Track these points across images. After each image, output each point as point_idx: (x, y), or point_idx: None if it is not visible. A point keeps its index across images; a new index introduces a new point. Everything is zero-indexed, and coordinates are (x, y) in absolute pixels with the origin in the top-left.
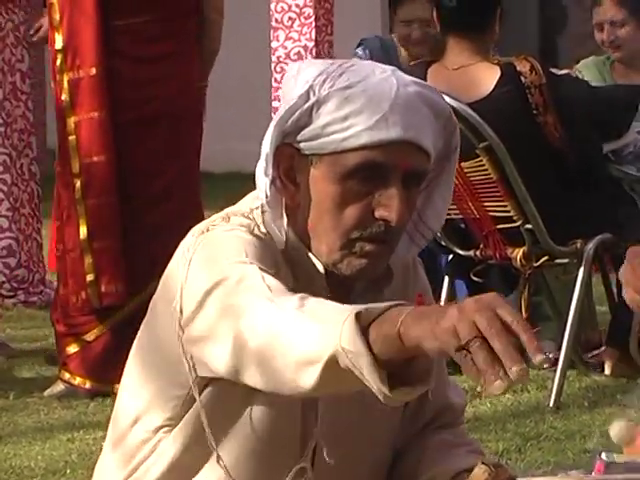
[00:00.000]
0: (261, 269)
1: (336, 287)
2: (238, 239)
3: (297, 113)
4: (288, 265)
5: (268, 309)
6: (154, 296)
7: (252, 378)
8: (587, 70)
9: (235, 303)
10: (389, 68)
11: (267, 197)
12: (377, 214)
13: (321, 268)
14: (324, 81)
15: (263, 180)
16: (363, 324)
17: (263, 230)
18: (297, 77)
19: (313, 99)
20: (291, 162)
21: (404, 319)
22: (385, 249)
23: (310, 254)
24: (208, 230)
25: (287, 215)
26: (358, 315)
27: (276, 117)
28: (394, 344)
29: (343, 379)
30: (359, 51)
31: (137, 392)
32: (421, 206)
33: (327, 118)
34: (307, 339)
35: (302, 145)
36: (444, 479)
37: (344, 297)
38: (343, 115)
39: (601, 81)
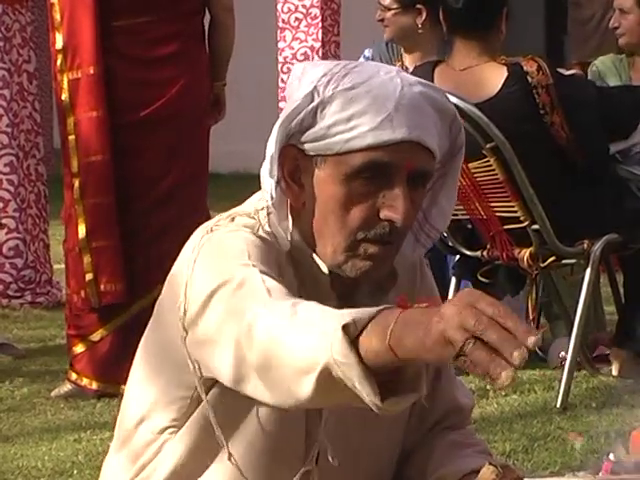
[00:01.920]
0: (262, 272)
1: (341, 288)
2: (242, 240)
3: (302, 114)
4: (292, 266)
5: (264, 319)
6: (160, 296)
7: (254, 391)
8: (603, 65)
9: (235, 309)
10: (394, 69)
11: (272, 198)
12: (382, 215)
13: (325, 269)
14: (328, 82)
15: (268, 182)
16: (353, 334)
17: (268, 231)
18: (302, 78)
19: (317, 100)
20: (296, 163)
21: (393, 329)
22: (390, 250)
23: (314, 255)
24: (212, 230)
25: (292, 216)
26: (346, 326)
27: (281, 118)
28: (387, 357)
29: (338, 389)
30: (366, 52)
31: (143, 393)
32: (426, 206)
33: (332, 119)
34: (301, 350)
35: (307, 146)
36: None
37: (349, 298)
38: (347, 116)
39: (617, 77)
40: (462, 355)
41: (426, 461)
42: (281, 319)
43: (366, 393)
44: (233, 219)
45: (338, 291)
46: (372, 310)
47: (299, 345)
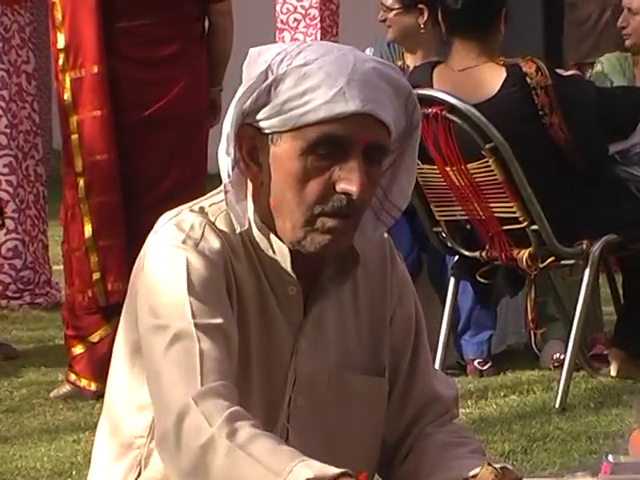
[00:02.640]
0: (197, 327)
1: (303, 271)
2: (181, 264)
3: (256, 92)
4: (252, 251)
5: (203, 433)
6: (131, 279)
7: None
8: (608, 63)
9: (164, 373)
10: (348, 47)
11: (229, 177)
12: (338, 188)
13: (286, 250)
14: (282, 60)
15: (225, 160)
16: None
17: (219, 224)
18: (258, 59)
19: (271, 77)
20: (253, 142)
21: None
22: (348, 224)
23: (274, 236)
24: (155, 234)
25: (252, 200)
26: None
27: (236, 97)
28: None
29: None
30: (367, 51)
31: (128, 382)
32: (386, 184)
33: (285, 95)
34: (242, 476)
35: (262, 124)
36: None
37: (311, 281)
38: (301, 91)
39: (621, 75)
40: None
41: (418, 466)
42: (221, 436)
43: None
44: (183, 220)
45: (300, 274)
46: (332, 471)
47: (243, 475)
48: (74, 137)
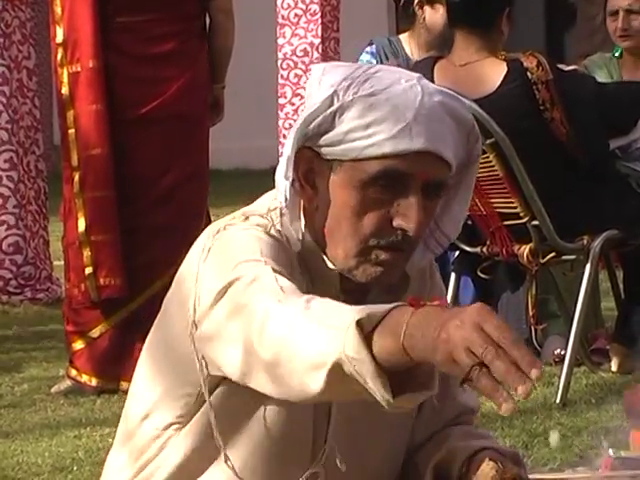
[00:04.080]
0: (274, 270)
1: (350, 292)
2: (254, 238)
3: (320, 117)
4: (303, 268)
5: (276, 313)
6: (168, 294)
7: (260, 384)
8: (594, 65)
9: (246, 305)
10: (415, 76)
11: (286, 200)
12: (395, 223)
13: (336, 276)
14: (349, 87)
15: (283, 183)
16: (366, 330)
17: (279, 230)
18: (322, 79)
19: (337, 104)
20: (311, 165)
21: (405, 332)
22: (401, 257)
23: (325, 258)
24: (225, 229)
25: (304, 218)
26: (359, 322)
27: (299, 120)
28: (400, 357)
29: (348, 385)
30: (368, 49)
31: (148, 389)
32: (439, 214)
33: (350, 125)
34: (313, 344)
35: (323, 150)
36: (463, 454)
37: (359, 302)
38: (366, 123)
39: (608, 77)
40: (468, 380)
41: (439, 443)
42: (294, 313)
43: (378, 390)
44: (247, 218)
45: (348, 294)
46: (386, 307)
47: (311, 339)
48: (71, 132)
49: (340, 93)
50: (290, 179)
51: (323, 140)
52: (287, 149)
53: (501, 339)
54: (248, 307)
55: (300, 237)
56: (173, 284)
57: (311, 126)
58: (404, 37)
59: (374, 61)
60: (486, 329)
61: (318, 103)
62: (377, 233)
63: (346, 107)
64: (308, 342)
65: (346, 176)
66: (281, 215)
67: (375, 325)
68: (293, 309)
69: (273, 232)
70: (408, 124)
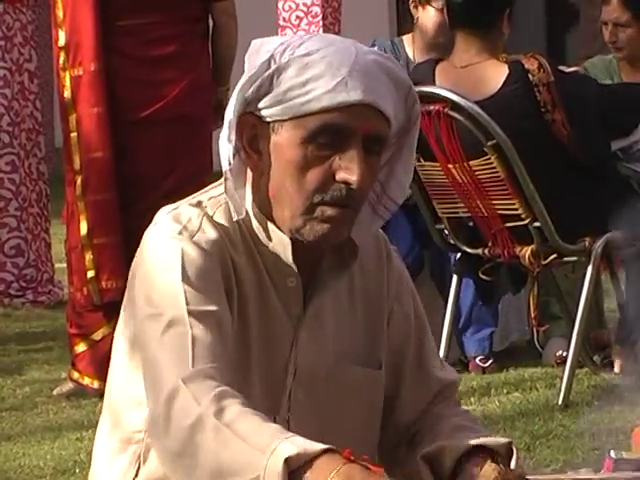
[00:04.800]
0: (190, 314)
1: (302, 263)
2: (177, 256)
3: (258, 81)
4: (251, 243)
5: (187, 403)
6: (130, 274)
7: (160, 455)
8: (594, 69)
9: (158, 358)
10: (349, 40)
11: (230, 164)
12: (338, 177)
13: (286, 239)
14: (284, 50)
15: (226, 147)
16: (292, 466)
17: (217, 217)
18: (260, 49)
19: (274, 67)
20: (254, 131)
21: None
22: (347, 213)
23: (273, 226)
24: (154, 227)
25: (251, 190)
26: (288, 459)
27: (238, 85)
28: None
29: None
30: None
31: (129, 377)
32: (384, 179)
33: (287, 84)
34: (229, 454)
35: (264, 112)
36: (455, 453)
37: (311, 274)
38: (303, 80)
39: (608, 79)
40: None
41: (432, 440)
42: (207, 412)
43: None
44: (180, 213)
45: (299, 266)
46: (316, 448)
47: (226, 448)
48: (73, 135)
49: (276, 56)
50: (233, 142)
51: (263, 103)
52: (229, 114)
53: None
54: (159, 369)
55: (245, 204)
56: (131, 268)
57: (250, 90)
58: (407, 38)
59: None
60: None
61: (256, 68)
62: (321, 189)
63: (283, 68)
64: (222, 450)
65: (287, 135)
66: (225, 180)
67: (302, 464)
68: (205, 406)
69: (208, 227)
70: (344, 78)
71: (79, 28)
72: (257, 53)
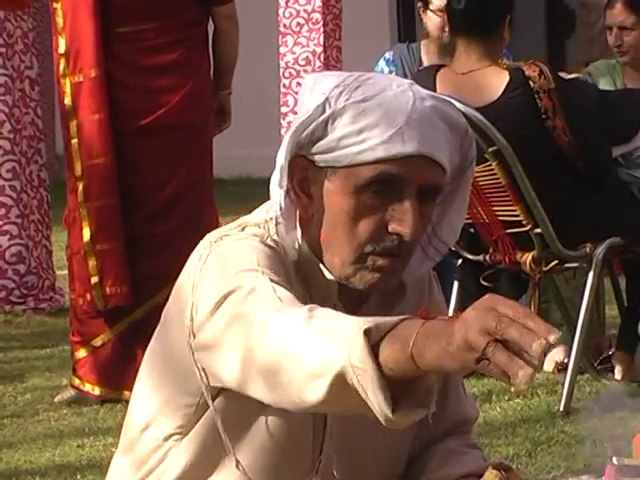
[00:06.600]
0: (272, 280)
1: (348, 301)
2: (251, 248)
3: (312, 125)
4: (300, 277)
5: (277, 321)
6: (167, 304)
7: (258, 391)
8: (598, 73)
9: (245, 313)
10: (406, 82)
11: (281, 209)
12: (391, 228)
13: (333, 280)
14: (340, 93)
15: (277, 192)
16: (373, 341)
17: (276, 240)
18: (313, 88)
19: (329, 112)
20: (305, 174)
21: (415, 340)
22: (398, 263)
23: (322, 266)
24: (221, 239)
25: (300, 227)
26: (367, 331)
27: (291, 128)
28: (408, 366)
29: (348, 396)
30: (386, 55)
31: (148, 399)
32: (436, 220)
33: (342, 131)
34: (316, 353)
35: (317, 157)
36: None
37: (356, 311)
38: (358, 128)
39: (611, 84)
40: (484, 359)
41: (422, 469)
42: (295, 321)
43: (378, 403)
44: (243, 229)
45: (345, 303)
46: (394, 318)
47: (313, 347)
48: (74, 142)
49: (332, 100)
50: (284, 188)
51: (316, 148)
52: (280, 158)
53: (516, 314)
54: (247, 316)
55: (296, 246)
56: (172, 294)
57: (304, 134)
58: (424, 43)
59: (389, 69)
60: (500, 310)
61: (310, 111)
62: (373, 239)
63: (338, 114)
64: (310, 350)
65: (340, 183)
66: (277, 224)
67: (383, 335)
68: (294, 317)
69: (269, 242)
70: (400, 128)
71: (79, 35)
72: (310, 92)
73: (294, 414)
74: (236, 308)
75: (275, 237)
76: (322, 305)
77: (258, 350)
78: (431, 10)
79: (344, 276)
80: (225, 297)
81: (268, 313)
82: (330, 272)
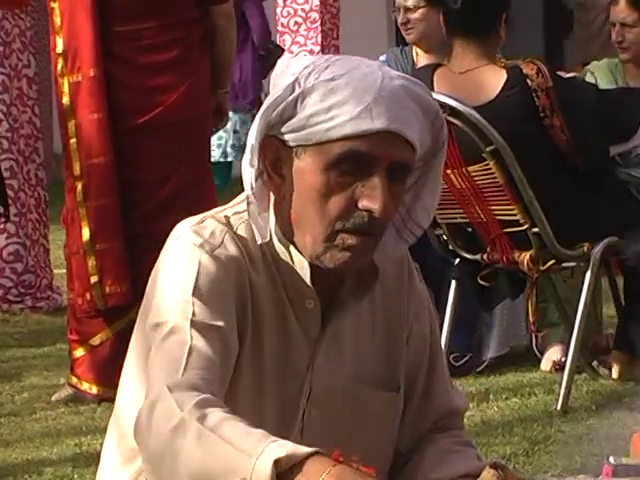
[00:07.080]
0: (195, 325)
1: (322, 285)
2: (195, 266)
3: (282, 104)
4: (271, 262)
5: (164, 406)
6: (148, 286)
7: (143, 456)
8: (599, 71)
9: (153, 362)
10: (376, 63)
11: (253, 188)
12: (360, 205)
13: (305, 264)
14: (310, 73)
15: (249, 171)
16: (282, 469)
17: (240, 234)
18: (285, 70)
19: (298, 91)
20: (277, 154)
21: None
22: (369, 242)
23: (294, 249)
24: (177, 239)
25: (274, 213)
26: (277, 460)
27: (262, 108)
28: None
29: None
30: (382, 57)
31: (138, 389)
32: (409, 203)
33: (312, 109)
34: (212, 458)
35: (287, 137)
36: None
37: (331, 295)
38: (327, 106)
39: (612, 82)
40: None
41: (416, 469)
42: (192, 420)
43: None
44: (204, 227)
45: (319, 288)
46: (305, 450)
47: (210, 453)
48: (72, 141)
49: (302, 80)
50: (255, 167)
51: (286, 127)
52: (251, 138)
53: None
54: (153, 367)
55: (268, 228)
56: (149, 280)
57: (274, 114)
58: (414, 45)
59: None
60: None
61: (280, 91)
62: (343, 215)
63: (307, 92)
64: (205, 454)
65: (311, 160)
66: (248, 204)
67: (291, 466)
68: (188, 412)
69: (228, 243)
70: (369, 105)
71: (77, 34)
72: (282, 74)
73: (286, 408)
74: (155, 345)
75: (240, 232)
76: (295, 292)
77: (146, 431)
78: (394, 9)
79: (315, 255)
80: (152, 327)
81: (161, 387)
82: (302, 254)
